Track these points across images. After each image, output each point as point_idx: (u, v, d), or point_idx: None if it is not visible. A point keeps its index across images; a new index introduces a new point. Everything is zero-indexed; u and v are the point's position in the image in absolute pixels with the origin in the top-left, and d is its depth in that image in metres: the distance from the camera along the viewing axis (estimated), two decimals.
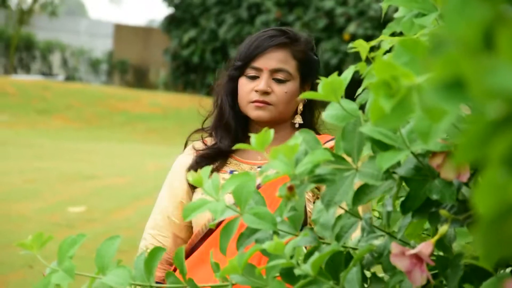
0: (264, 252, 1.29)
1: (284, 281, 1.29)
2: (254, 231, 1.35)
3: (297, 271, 1.25)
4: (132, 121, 20.00)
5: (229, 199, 2.33)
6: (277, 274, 1.30)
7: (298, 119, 2.57)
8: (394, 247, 1.19)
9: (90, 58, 30.18)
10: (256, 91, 2.50)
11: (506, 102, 0.51)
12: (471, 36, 0.51)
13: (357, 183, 1.24)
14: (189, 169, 2.53)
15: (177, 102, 21.60)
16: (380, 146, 1.23)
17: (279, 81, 2.50)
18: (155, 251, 1.37)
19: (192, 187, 2.54)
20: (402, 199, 1.26)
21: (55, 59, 30.02)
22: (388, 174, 1.24)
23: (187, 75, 24.75)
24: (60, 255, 1.35)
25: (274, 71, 2.50)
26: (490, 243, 0.53)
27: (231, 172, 2.51)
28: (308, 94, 1.33)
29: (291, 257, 1.27)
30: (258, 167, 2.51)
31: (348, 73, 1.33)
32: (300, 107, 2.57)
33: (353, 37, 19.42)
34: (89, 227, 7.51)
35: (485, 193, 0.52)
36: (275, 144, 2.51)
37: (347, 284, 1.27)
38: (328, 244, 1.30)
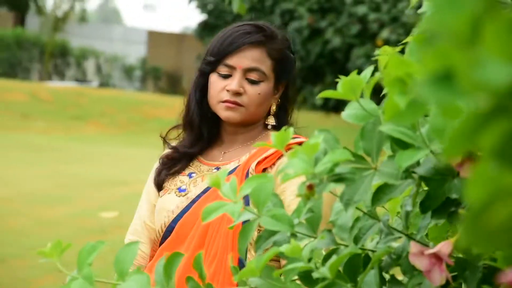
0: (282, 255, 1.28)
1: (302, 284, 1.28)
2: (272, 233, 1.34)
3: (315, 274, 1.24)
4: (165, 128, 20.05)
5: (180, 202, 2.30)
6: (296, 277, 1.29)
7: (271, 121, 2.42)
8: (413, 246, 1.18)
9: (124, 65, 30.39)
10: (228, 90, 2.34)
11: (492, 94, 0.49)
12: (460, 28, 0.50)
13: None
14: (156, 172, 2.44)
15: None
16: (399, 145, 1.22)
17: (252, 82, 2.35)
18: (174, 257, 1.36)
19: (158, 189, 2.43)
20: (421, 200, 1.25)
21: (89, 65, 30.28)
22: (408, 173, 1.22)
23: None
24: (79, 263, 1.35)
25: (247, 71, 2.34)
26: (476, 234, 0.52)
27: (190, 175, 2.39)
28: (326, 93, 1.32)
29: (309, 260, 1.26)
30: (216, 168, 2.37)
31: (367, 72, 1.31)
32: (273, 107, 2.42)
33: (386, 43, 19.37)
34: (120, 232, 7.54)
35: (477, 185, 0.51)
36: (245, 145, 2.39)
37: (366, 286, 1.25)
38: (347, 246, 1.29)
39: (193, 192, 2.33)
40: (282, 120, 2.43)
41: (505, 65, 0.49)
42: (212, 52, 2.37)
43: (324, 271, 1.23)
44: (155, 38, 30.85)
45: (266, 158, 2.28)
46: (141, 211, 2.46)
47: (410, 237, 1.28)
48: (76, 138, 17.70)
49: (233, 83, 2.32)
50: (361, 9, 20.92)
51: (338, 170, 1.23)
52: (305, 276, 1.27)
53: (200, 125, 2.41)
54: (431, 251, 1.15)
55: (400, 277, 1.29)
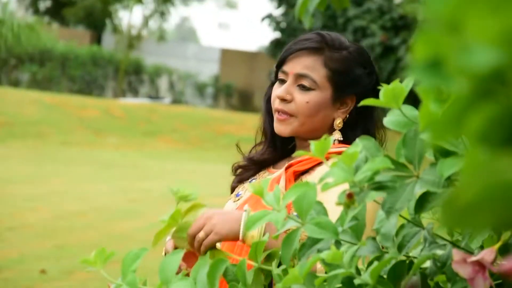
0: (324, 262, 1.28)
1: None
2: (316, 241, 1.34)
3: (356, 281, 1.24)
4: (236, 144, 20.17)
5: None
6: (339, 284, 1.29)
7: (337, 135, 2.25)
8: (456, 254, 1.17)
9: (196, 82, 30.71)
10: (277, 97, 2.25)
11: (475, 79, 0.50)
12: (448, 15, 0.50)
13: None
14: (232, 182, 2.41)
15: None
16: (441, 153, 1.21)
17: (303, 89, 2.22)
18: (217, 263, 1.38)
19: None
20: None
21: (163, 82, 30.68)
22: (450, 181, 1.21)
23: None
24: (123, 269, 1.36)
25: (298, 77, 2.23)
26: (450, 214, 0.52)
27: (251, 181, 2.33)
28: (368, 101, 1.32)
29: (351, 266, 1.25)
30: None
31: (409, 80, 1.31)
32: (338, 122, 2.26)
33: None
34: None
35: (470, 171, 0.51)
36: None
37: None
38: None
39: (244, 197, 2.27)
40: (352, 137, 2.19)
41: (488, 50, 0.49)
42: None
43: (365, 277, 1.23)
44: (228, 56, 31.10)
45: (299, 161, 2.18)
46: None
47: (454, 244, 1.27)
48: (147, 154, 17.91)
49: (280, 89, 2.25)
50: None
51: (378, 178, 1.22)
52: (348, 282, 1.27)
53: (272, 136, 2.34)
54: (474, 258, 1.14)
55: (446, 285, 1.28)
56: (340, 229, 1.31)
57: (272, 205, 1.34)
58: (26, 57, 27.50)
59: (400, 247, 1.28)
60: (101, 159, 16.04)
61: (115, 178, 13.22)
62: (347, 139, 2.24)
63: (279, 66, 2.29)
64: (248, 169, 2.37)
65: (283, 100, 2.24)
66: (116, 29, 32.40)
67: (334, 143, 2.23)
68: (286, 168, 2.18)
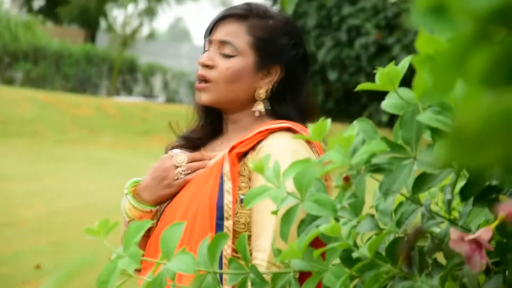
0: (322, 236, 1.31)
1: (344, 266, 1.30)
2: (315, 218, 1.36)
3: (354, 254, 1.27)
4: None
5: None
6: (338, 260, 1.32)
7: (259, 107, 2.20)
8: (453, 232, 1.19)
9: (190, 81, 30.66)
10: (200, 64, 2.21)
11: (477, 19, 0.52)
12: None
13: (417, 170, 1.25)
14: None
15: None
16: (439, 133, 1.24)
17: (225, 56, 2.16)
18: (219, 238, 1.40)
19: None
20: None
21: (157, 81, 30.64)
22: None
23: None
24: (126, 241, 1.37)
25: (221, 44, 2.18)
26: (454, 146, 0.54)
27: None
28: (365, 85, 1.35)
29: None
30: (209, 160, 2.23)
31: (404, 63, 1.34)
32: (260, 92, 2.19)
33: None
34: None
35: (469, 105, 0.53)
36: (235, 134, 2.23)
37: (405, 267, 1.27)
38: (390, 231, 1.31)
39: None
40: (280, 110, 2.20)
41: None
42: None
43: (363, 251, 1.26)
44: None
45: (241, 142, 2.13)
46: None
47: (452, 222, 1.30)
48: (141, 153, 17.88)
49: (203, 55, 2.20)
50: None
51: (375, 160, 1.25)
52: (347, 258, 1.30)
53: (201, 114, 2.33)
54: (471, 237, 1.16)
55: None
56: (338, 206, 1.33)
57: (272, 181, 1.34)
58: (20, 55, 27.42)
59: (398, 224, 1.31)
60: (95, 157, 16.02)
61: (109, 176, 13.21)
62: (275, 113, 2.20)
63: (206, 36, 2.23)
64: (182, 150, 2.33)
65: (205, 66, 2.19)
66: (110, 28, 32.34)
67: (255, 114, 2.20)
68: (229, 152, 2.13)
